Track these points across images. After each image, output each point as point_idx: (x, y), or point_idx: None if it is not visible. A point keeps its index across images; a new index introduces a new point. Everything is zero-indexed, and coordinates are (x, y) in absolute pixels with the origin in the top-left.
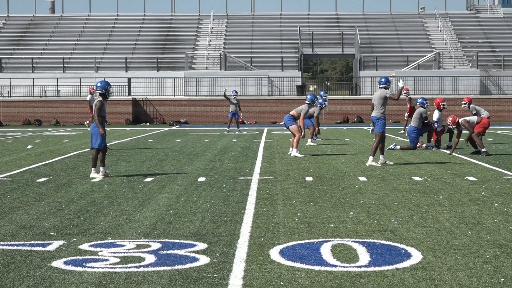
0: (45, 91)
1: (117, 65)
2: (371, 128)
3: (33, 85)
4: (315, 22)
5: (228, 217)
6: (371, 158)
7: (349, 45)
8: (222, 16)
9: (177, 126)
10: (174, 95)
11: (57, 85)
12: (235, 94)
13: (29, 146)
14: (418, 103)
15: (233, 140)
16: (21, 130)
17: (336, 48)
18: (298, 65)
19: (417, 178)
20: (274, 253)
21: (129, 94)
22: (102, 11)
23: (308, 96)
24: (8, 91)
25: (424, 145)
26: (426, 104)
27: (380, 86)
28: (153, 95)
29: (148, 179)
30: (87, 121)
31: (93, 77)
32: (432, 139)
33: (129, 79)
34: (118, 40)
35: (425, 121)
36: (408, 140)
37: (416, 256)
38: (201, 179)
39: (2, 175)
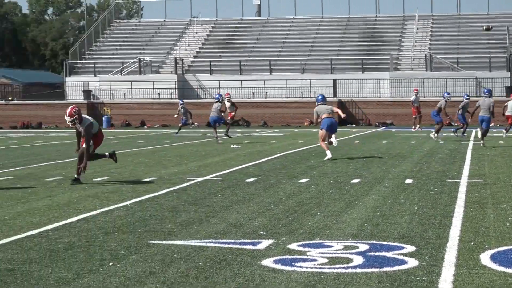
0: (253, 92)
1: (322, 66)
2: None
3: (241, 87)
4: None
5: (437, 220)
6: None
7: None
8: (427, 16)
9: (383, 127)
10: (380, 96)
11: (264, 87)
12: None
13: (234, 146)
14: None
15: (441, 142)
16: (230, 131)
17: None
18: (507, 66)
19: None
20: (485, 258)
21: (335, 95)
22: (307, 13)
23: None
24: (218, 93)
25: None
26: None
27: None
28: (358, 96)
29: (355, 180)
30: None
31: (299, 79)
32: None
33: (334, 81)
34: (323, 42)
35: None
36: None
37: None
38: (408, 181)
39: (213, 174)
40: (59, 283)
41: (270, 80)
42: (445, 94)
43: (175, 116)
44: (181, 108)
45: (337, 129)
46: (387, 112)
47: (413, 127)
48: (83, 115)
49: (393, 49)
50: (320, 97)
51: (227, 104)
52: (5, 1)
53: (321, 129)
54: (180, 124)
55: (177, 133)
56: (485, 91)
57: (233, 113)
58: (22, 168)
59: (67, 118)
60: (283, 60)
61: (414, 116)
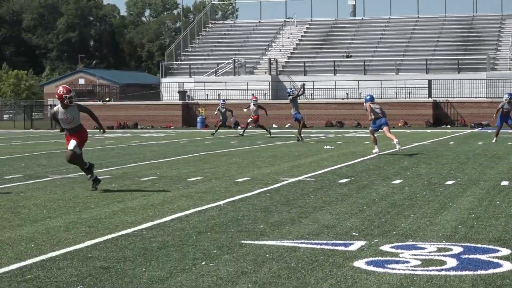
0: (347, 93)
1: (418, 67)
2: None
3: (335, 88)
4: None
5: None
6: None
7: None
8: None
9: (479, 128)
10: (476, 97)
11: (358, 88)
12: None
13: (327, 147)
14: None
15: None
16: (323, 131)
17: None
18: None
19: None
20: None
21: (430, 96)
22: (403, 13)
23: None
24: (311, 94)
25: None
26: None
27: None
28: (453, 97)
29: (449, 182)
30: None
31: (394, 79)
32: None
33: (429, 81)
34: (418, 42)
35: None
36: None
37: None
38: (504, 183)
39: (306, 175)
40: (152, 282)
41: (364, 81)
42: (506, 96)
43: (215, 113)
44: (222, 107)
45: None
46: (483, 112)
47: None
48: None
49: (490, 48)
50: (368, 97)
51: (253, 107)
52: (104, 3)
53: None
54: (219, 124)
55: (213, 134)
56: None
57: (258, 116)
58: (118, 168)
59: (67, 95)
60: (378, 60)
61: None
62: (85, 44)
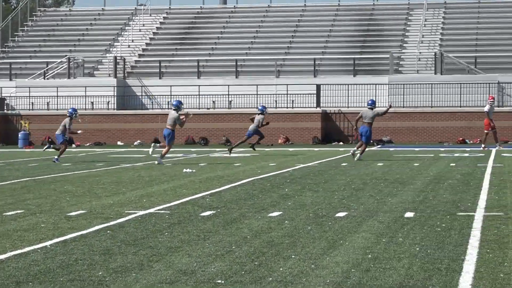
0: (214, 101)
1: (304, 68)
2: None
3: (199, 95)
4: None
5: (444, 265)
6: None
7: None
8: (439, 4)
9: (378, 146)
10: (376, 106)
11: (229, 94)
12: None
13: (187, 170)
14: None
15: (451, 164)
16: (182, 150)
17: None
18: None
19: None
20: None
21: (318, 104)
22: (285, 0)
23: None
24: (168, 102)
25: None
26: None
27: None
28: (347, 106)
29: (341, 214)
30: None
31: (273, 84)
32: None
33: (318, 86)
34: (305, 37)
35: None
36: None
37: None
38: (408, 214)
39: (159, 207)
40: None
41: (236, 86)
42: None
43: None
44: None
45: None
46: (384, 126)
47: (483, 145)
48: None
49: (394, 46)
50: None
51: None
52: None
53: None
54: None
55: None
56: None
57: None
58: None
59: None
60: (254, 60)
61: (486, 131)
62: None
